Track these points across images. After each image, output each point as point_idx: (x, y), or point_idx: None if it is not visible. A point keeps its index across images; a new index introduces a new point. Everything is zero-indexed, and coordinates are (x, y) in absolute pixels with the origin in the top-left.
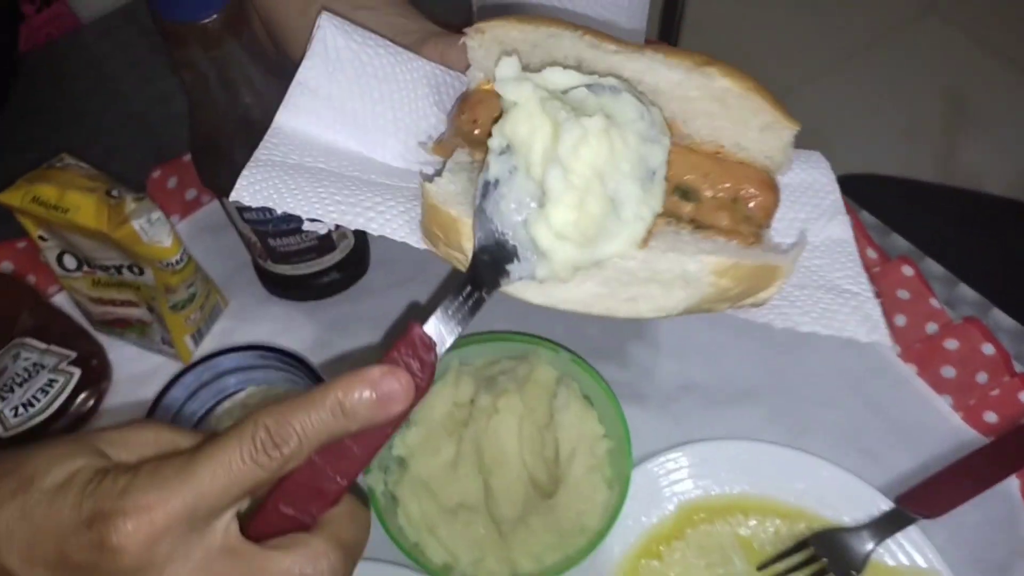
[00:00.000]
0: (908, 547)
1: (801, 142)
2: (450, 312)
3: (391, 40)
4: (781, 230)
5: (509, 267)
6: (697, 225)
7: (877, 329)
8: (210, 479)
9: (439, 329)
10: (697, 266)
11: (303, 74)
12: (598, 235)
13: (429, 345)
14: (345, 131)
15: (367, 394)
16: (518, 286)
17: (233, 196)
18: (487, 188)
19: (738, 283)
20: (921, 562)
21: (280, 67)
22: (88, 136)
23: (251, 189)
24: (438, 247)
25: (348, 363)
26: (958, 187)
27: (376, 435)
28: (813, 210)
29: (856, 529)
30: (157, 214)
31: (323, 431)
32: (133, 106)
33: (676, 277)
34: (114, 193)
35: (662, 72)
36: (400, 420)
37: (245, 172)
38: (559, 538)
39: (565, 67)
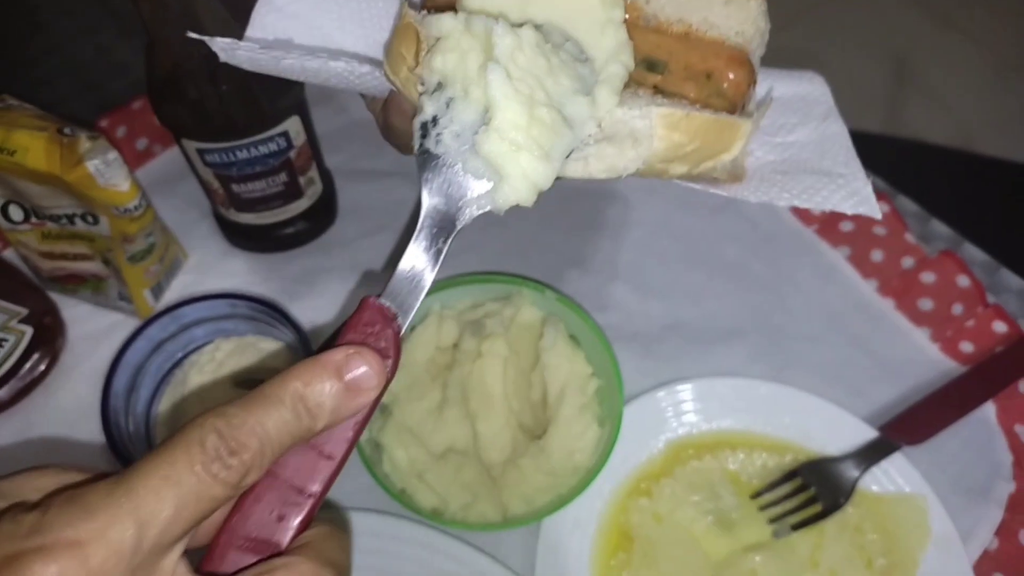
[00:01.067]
0: (893, 473)
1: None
2: (408, 272)
3: None
4: (772, 132)
5: (463, 203)
6: (662, 92)
7: (865, 202)
8: (154, 500)
9: (399, 295)
10: (645, 121)
11: None
12: (553, 149)
13: (390, 316)
14: (323, 16)
15: (332, 384)
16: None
17: (222, 55)
18: (425, 128)
19: (692, 138)
20: (906, 487)
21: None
22: (29, 87)
23: (235, 50)
24: (399, 73)
25: (319, 314)
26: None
27: (346, 430)
28: (805, 116)
29: (842, 458)
30: (113, 154)
31: (285, 432)
32: (72, 56)
33: (626, 135)
34: (66, 131)
35: None
36: (373, 408)
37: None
38: (551, 478)
39: None
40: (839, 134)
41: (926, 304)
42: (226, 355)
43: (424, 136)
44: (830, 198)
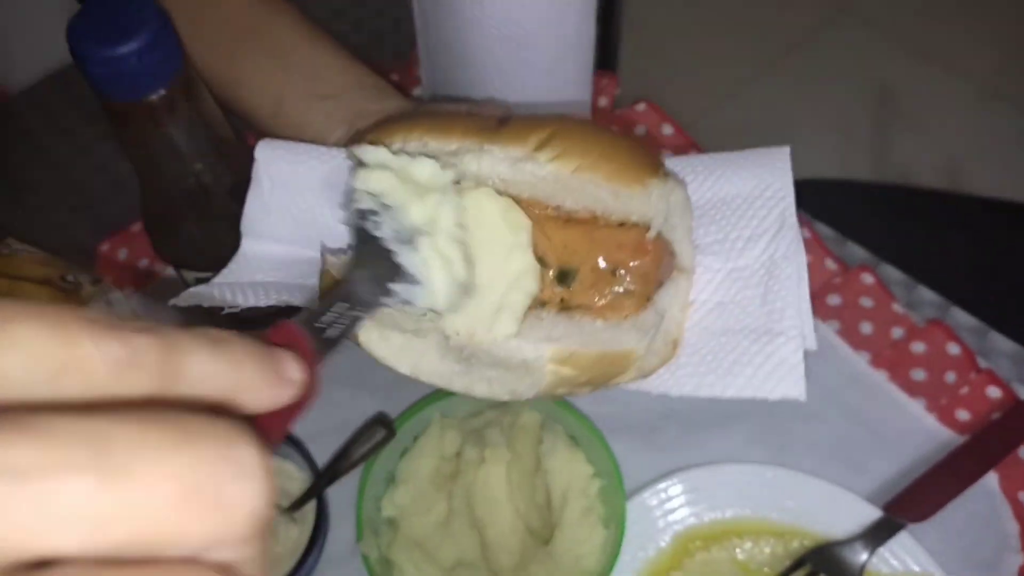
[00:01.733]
0: (901, 553)
1: (737, 146)
2: (318, 331)
3: (351, 123)
4: (725, 249)
5: (392, 285)
6: (567, 307)
7: (792, 379)
8: None
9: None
10: (535, 354)
11: (249, 203)
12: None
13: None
14: (297, 239)
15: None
16: (380, 346)
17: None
18: (363, 215)
19: (583, 372)
20: (915, 566)
21: (227, 133)
22: (29, 211)
23: (189, 296)
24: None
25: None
26: (897, 184)
27: None
28: (759, 224)
29: (849, 541)
30: (116, 295)
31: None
32: (71, 176)
33: (519, 364)
34: (69, 279)
35: (499, 165)
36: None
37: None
38: None
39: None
40: (790, 250)
41: (919, 374)
42: None
43: (362, 219)
44: (764, 386)
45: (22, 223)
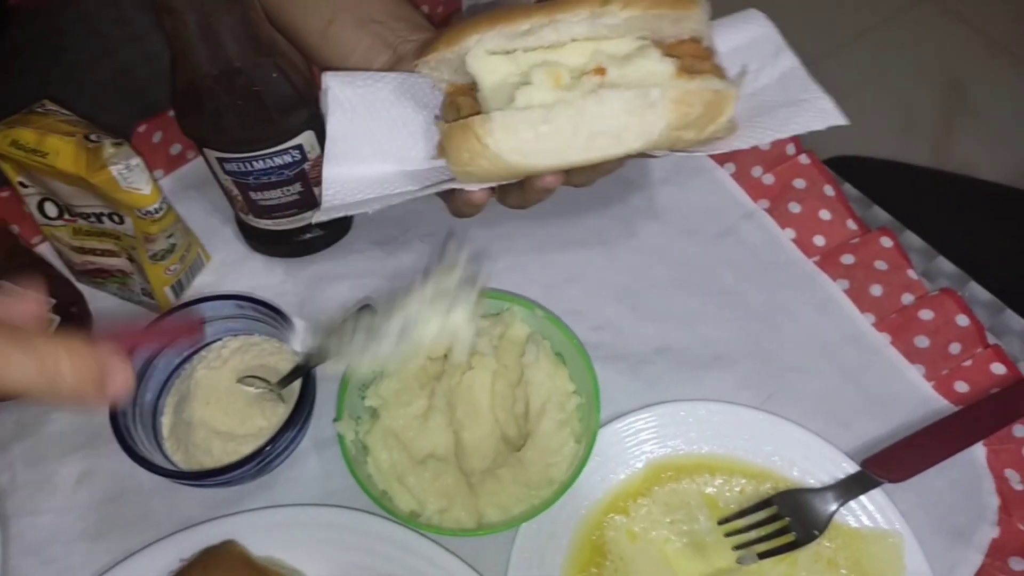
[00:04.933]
0: (871, 509)
1: None
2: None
3: (395, 48)
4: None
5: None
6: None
7: (832, 115)
8: None
9: None
10: (656, 91)
11: (330, 129)
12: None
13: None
14: (378, 158)
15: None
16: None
17: (315, 219)
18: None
19: (694, 107)
20: (883, 524)
21: (270, 40)
22: (77, 90)
23: (326, 211)
24: (474, 165)
25: (326, 317)
26: (945, 171)
27: None
28: (762, 59)
29: (820, 490)
30: (136, 160)
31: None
32: (122, 62)
33: (643, 105)
34: (92, 138)
35: (576, 28)
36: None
37: (318, 213)
38: (526, 489)
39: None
40: (793, 66)
41: (923, 341)
42: (231, 352)
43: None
44: (804, 123)
45: (71, 99)
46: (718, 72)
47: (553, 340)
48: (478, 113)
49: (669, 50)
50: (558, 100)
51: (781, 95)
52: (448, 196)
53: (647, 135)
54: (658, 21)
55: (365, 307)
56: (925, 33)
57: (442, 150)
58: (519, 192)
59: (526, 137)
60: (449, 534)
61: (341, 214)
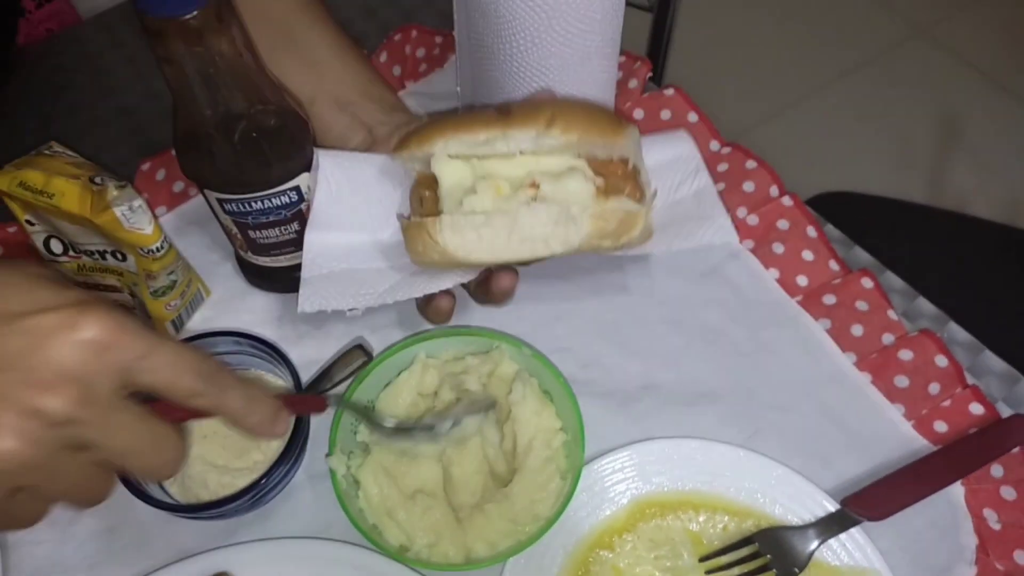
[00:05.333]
0: (851, 547)
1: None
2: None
3: (371, 130)
4: (667, 195)
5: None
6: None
7: (726, 232)
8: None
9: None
10: (581, 210)
11: (316, 201)
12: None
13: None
14: (355, 228)
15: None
16: (460, 244)
17: (300, 310)
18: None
19: (609, 222)
20: (863, 562)
21: (257, 66)
22: (81, 128)
23: (308, 302)
24: (426, 256)
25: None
26: (934, 207)
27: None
28: (684, 174)
29: (801, 528)
30: (138, 201)
31: (233, 400)
32: (126, 101)
33: (567, 219)
34: (97, 180)
35: (523, 143)
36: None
37: (301, 290)
38: (513, 525)
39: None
40: (707, 186)
41: (902, 381)
42: None
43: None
44: (706, 236)
45: (75, 137)
46: (636, 192)
47: (540, 378)
48: (436, 206)
49: (599, 167)
50: (497, 208)
51: (694, 209)
52: (419, 302)
53: (568, 243)
54: (590, 146)
55: (357, 347)
56: (920, 68)
57: (406, 223)
58: (484, 292)
59: (469, 237)
60: (437, 568)
61: (319, 309)
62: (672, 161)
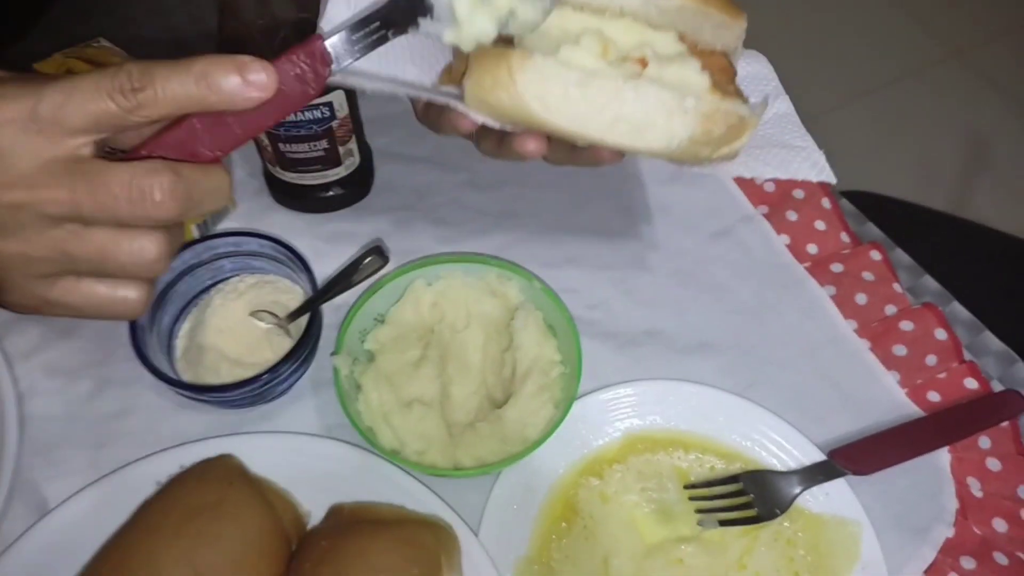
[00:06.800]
0: (834, 497)
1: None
2: (353, 39)
3: None
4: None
5: (422, 20)
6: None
7: (824, 171)
8: (54, 91)
9: (337, 50)
10: (691, 101)
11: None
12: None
13: (326, 60)
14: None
15: (233, 77)
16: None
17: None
18: None
19: (717, 125)
20: (845, 512)
21: None
22: (127, 43)
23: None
24: (491, 95)
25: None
26: (958, 216)
27: (256, 119)
28: (760, 94)
29: (786, 473)
30: None
31: (182, 92)
32: (173, 21)
33: (676, 107)
34: None
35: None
36: (277, 114)
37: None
38: (502, 445)
39: None
40: (789, 112)
41: (900, 350)
42: (247, 287)
43: None
44: (802, 171)
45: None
46: (741, 95)
47: (546, 312)
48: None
49: (701, 58)
50: (600, 71)
51: (777, 135)
52: (433, 109)
53: (668, 140)
54: (703, 20)
55: (375, 249)
56: (950, 88)
57: (455, 75)
58: (497, 143)
59: (554, 91)
60: (430, 472)
61: (343, 72)
62: (749, 77)
